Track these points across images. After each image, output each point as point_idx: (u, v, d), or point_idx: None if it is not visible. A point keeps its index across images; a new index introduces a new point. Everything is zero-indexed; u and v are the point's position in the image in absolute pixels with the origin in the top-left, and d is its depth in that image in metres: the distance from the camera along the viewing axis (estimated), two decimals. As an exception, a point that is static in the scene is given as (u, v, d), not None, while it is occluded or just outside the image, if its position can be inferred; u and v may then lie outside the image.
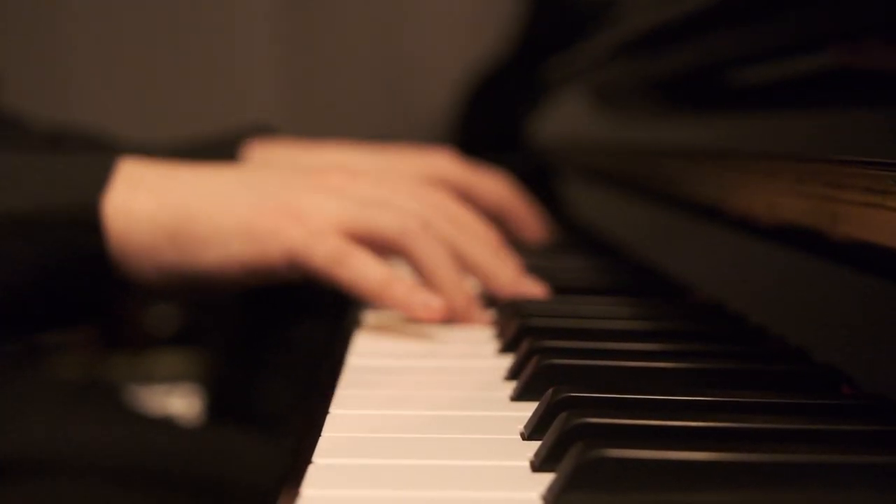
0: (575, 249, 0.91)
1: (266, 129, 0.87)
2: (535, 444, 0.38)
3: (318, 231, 0.61)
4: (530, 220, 0.90)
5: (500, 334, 0.59)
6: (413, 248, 0.62)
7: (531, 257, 0.74)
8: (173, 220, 0.61)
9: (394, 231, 0.62)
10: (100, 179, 0.61)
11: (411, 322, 0.61)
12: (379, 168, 0.83)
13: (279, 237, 0.61)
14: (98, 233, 0.60)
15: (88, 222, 0.60)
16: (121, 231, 0.61)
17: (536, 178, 1.12)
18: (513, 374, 0.50)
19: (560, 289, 0.66)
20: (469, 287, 0.63)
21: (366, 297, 0.61)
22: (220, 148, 0.82)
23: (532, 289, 0.65)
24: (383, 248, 0.62)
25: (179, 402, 1.67)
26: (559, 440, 0.36)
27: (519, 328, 0.55)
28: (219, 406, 1.57)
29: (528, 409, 0.42)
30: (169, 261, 0.62)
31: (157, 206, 0.62)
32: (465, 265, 0.64)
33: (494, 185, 0.87)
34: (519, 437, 0.41)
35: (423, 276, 0.62)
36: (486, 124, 1.60)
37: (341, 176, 0.66)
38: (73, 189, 0.61)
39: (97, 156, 0.64)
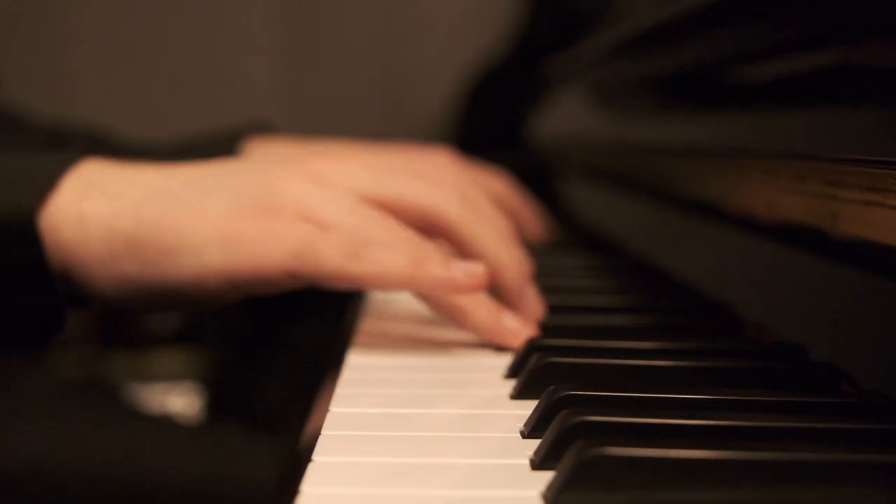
0: (574, 248, 0.91)
1: (265, 127, 0.87)
2: (534, 443, 0.38)
3: (323, 224, 0.53)
4: (531, 218, 0.90)
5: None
6: (461, 224, 0.55)
7: (530, 256, 0.74)
8: (133, 228, 0.54)
9: (429, 201, 0.55)
10: (44, 183, 0.54)
11: (411, 320, 0.60)
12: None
13: (271, 242, 0.53)
14: (36, 243, 0.53)
15: (24, 231, 0.53)
16: (71, 241, 0.54)
17: (535, 176, 1.13)
18: (512, 373, 0.50)
19: (559, 287, 0.66)
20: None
21: (397, 289, 0.54)
22: (218, 145, 0.82)
23: (533, 302, 0.58)
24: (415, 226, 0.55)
25: (179, 401, 1.67)
26: (559, 438, 0.36)
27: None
28: (219, 405, 1.57)
29: (527, 408, 0.42)
30: (130, 274, 0.54)
31: (113, 212, 0.54)
32: (473, 252, 0.57)
33: (494, 183, 0.87)
34: (519, 435, 0.41)
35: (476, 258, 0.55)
36: (486, 123, 1.60)
37: (328, 161, 0.58)
38: (10, 193, 0.54)
39: (48, 155, 0.57)
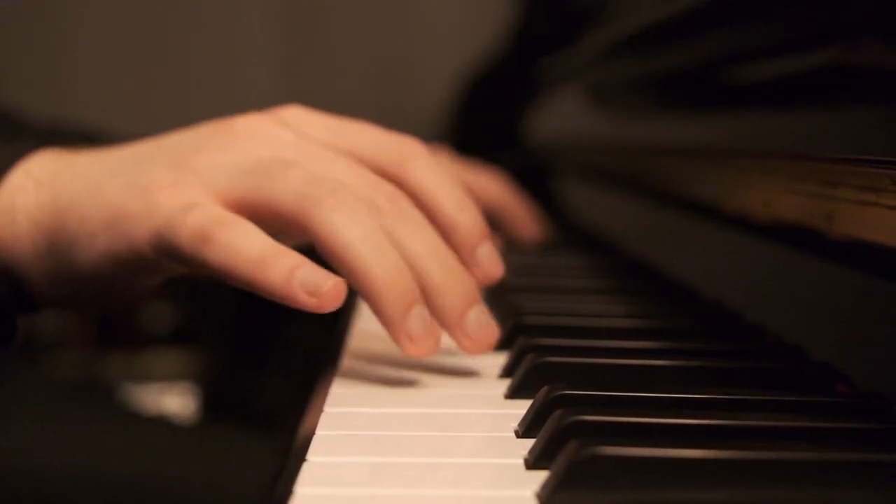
0: (570, 247, 0.91)
1: None
2: (529, 442, 0.38)
3: (189, 203, 0.47)
4: (527, 218, 0.90)
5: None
6: (314, 216, 0.45)
7: (526, 256, 0.74)
8: (50, 218, 0.50)
9: (289, 197, 0.46)
10: None
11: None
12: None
13: (145, 218, 0.47)
14: None
15: None
16: (4, 238, 0.50)
17: (532, 176, 1.12)
18: (507, 372, 0.50)
19: (554, 287, 0.66)
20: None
21: (238, 281, 0.45)
22: None
23: (483, 329, 0.48)
24: (286, 226, 0.48)
25: (175, 401, 1.67)
26: (553, 438, 0.36)
27: (512, 326, 0.55)
28: (214, 405, 1.57)
29: (522, 407, 0.42)
30: (53, 269, 0.50)
31: (36, 203, 0.50)
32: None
33: (490, 183, 0.87)
34: (513, 434, 0.41)
35: (335, 258, 0.46)
36: (482, 122, 1.60)
37: (266, 132, 0.50)
38: None
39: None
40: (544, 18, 1.54)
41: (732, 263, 0.61)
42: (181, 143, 0.50)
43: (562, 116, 1.18)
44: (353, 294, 0.70)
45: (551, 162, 1.23)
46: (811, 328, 0.49)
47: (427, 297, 0.47)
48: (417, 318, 0.46)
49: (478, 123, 1.61)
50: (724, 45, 0.65)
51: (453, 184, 0.52)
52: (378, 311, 0.46)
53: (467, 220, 0.51)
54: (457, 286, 0.48)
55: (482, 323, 0.48)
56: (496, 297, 0.63)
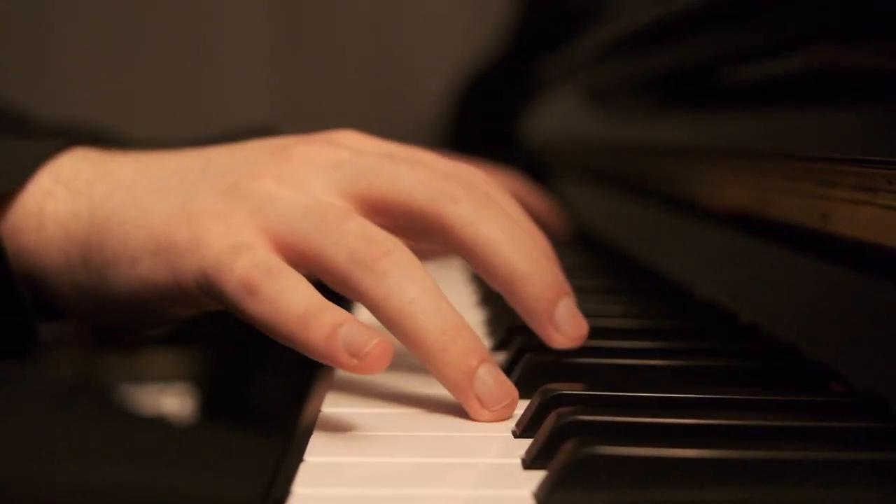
0: (566, 247, 0.91)
1: (270, 130, 0.86)
2: (526, 442, 0.39)
3: (239, 244, 0.43)
4: (551, 215, 0.89)
5: (492, 332, 0.59)
6: (362, 281, 0.43)
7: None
8: (86, 232, 0.47)
9: (341, 255, 0.43)
10: (12, 178, 0.47)
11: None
12: None
13: (193, 253, 0.44)
14: None
15: None
16: (30, 245, 0.47)
17: (529, 176, 1.13)
18: (504, 372, 0.50)
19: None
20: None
21: (279, 337, 0.42)
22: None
23: (569, 324, 0.46)
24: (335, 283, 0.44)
25: (172, 402, 1.66)
26: (550, 437, 0.36)
27: (510, 326, 0.55)
28: (212, 405, 1.57)
29: (519, 407, 0.42)
30: (83, 285, 0.47)
31: (71, 213, 0.47)
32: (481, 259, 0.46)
33: (508, 181, 0.87)
34: (510, 434, 0.41)
35: (389, 324, 0.43)
36: (479, 123, 1.60)
37: (322, 157, 0.47)
38: None
39: (24, 144, 0.50)
40: (541, 18, 1.54)
41: (728, 263, 0.61)
42: (233, 163, 0.47)
43: (558, 116, 1.18)
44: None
45: (548, 161, 1.23)
46: (806, 328, 0.49)
47: (511, 288, 0.45)
48: (484, 379, 0.42)
49: (475, 123, 1.61)
50: (720, 45, 0.65)
51: (522, 223, 0.48)
52: (440, 377, 0.43)
53: (542, 270, 0.45)
54: (546, 274, 0.45)
55: (573, 314, 0.45)
56: (493, 296, 0.63)
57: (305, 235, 0.44)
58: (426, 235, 0.46)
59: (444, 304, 0.42)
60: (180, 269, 0.44)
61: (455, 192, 0.45)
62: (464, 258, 0.46)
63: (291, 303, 0.41)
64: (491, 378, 0.42)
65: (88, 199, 0.47)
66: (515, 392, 0.42)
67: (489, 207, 0.45)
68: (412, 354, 0.43)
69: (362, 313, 0.64)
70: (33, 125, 0.89)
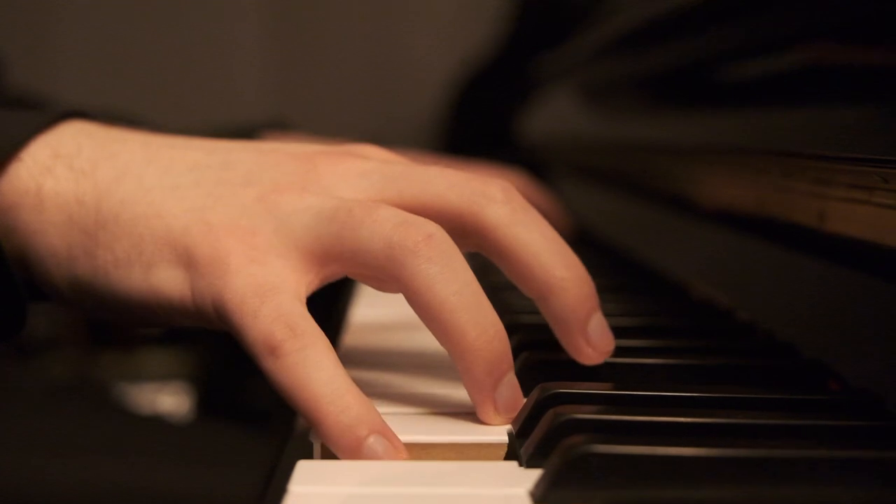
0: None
1: (280, 124, 0.86)
2: (523, 441, 0.38)
3: (266, 286, 0.41)
4: (558, 216, 0.89)
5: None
6: (406, 266, 0.40)
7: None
8: (92, 220, 0.43)
9: (378, 244, 0.41)
10: (4, 148, 0.43)
11: (401, 316, 0.60)
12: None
13: (214, 279, 0.41)
14: None
15: None
16: (27, 225, 0.44)
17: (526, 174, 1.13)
18: (501, 371, 0.50)
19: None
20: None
21: (293, 407, 0.40)
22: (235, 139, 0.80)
23: (600, 337, 0.44)
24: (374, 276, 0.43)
25: (169, 400, 1.66)
26: (547, 436, 0.36)
27: (507, 325, 0.55)
28: (209, 404, 1.56)
29: (517, 406, 0.42)
30: (82, 278, 0.44)
31: (73, 195, 0.44)
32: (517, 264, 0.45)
33: (517, 182, 0.87)
34: (507, 434, 0.41)
35: (428, 314, 0.41)
36: (476, 122, 1.60)
37: (336, 161, 0.45)
38: None
39: (17, 114, 0.46)
40: (538, 17, 1.54)
41: (724, 261, 0.62)
42: (255, 169, 0.44)
43: (555, 115, 1.18)
44: (347, 289, 0.70)
45: (544, 160, 1.23)
46: (803, 326, 0.49)
47: (548, 294, 0.43)
48: (508, 386, 0.41)
49: (471, 123, 1.61)
50: (716, 44, 0.66)
51: (554, 233, 0.45)
52: (467, 375, 0.41)
53: (580, 279, 0.44)
54: (585, 285, 0.44)
55: (605, 329, 0.44)
56: (489, 295, 0.63)
57: (336, 236, 0.41)
58: (460, 238, 0.43)
59: (484, 301, 0.41)
60: (199, 289, 0.42)
61: (493, 193, 0.44)
62: (497, 261, 0.44)
63: (314, 381, 0.39)
64: (512, 388, 0.41)
65: (93, 183, 0.44)
66: (524, 401, 0.42)
67: (527, 211, 0.44)
68: (439, 344, 0.41)
69: (362, 311, 0.65)
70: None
